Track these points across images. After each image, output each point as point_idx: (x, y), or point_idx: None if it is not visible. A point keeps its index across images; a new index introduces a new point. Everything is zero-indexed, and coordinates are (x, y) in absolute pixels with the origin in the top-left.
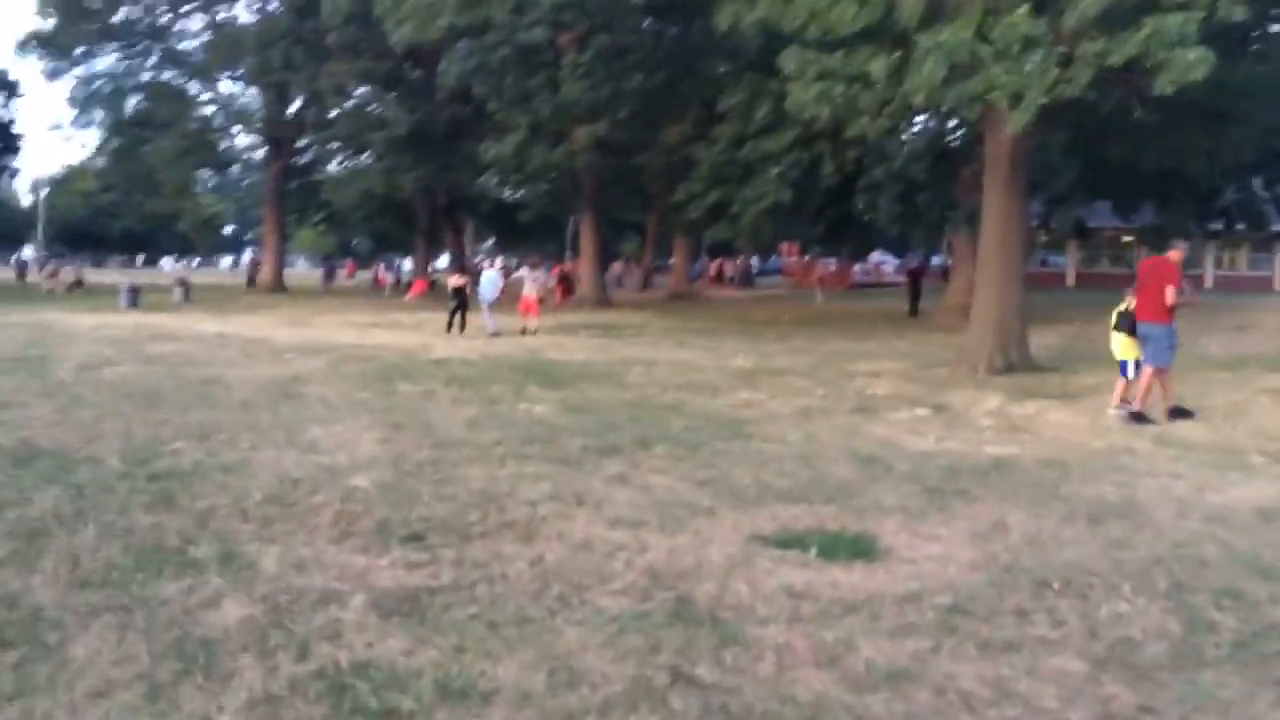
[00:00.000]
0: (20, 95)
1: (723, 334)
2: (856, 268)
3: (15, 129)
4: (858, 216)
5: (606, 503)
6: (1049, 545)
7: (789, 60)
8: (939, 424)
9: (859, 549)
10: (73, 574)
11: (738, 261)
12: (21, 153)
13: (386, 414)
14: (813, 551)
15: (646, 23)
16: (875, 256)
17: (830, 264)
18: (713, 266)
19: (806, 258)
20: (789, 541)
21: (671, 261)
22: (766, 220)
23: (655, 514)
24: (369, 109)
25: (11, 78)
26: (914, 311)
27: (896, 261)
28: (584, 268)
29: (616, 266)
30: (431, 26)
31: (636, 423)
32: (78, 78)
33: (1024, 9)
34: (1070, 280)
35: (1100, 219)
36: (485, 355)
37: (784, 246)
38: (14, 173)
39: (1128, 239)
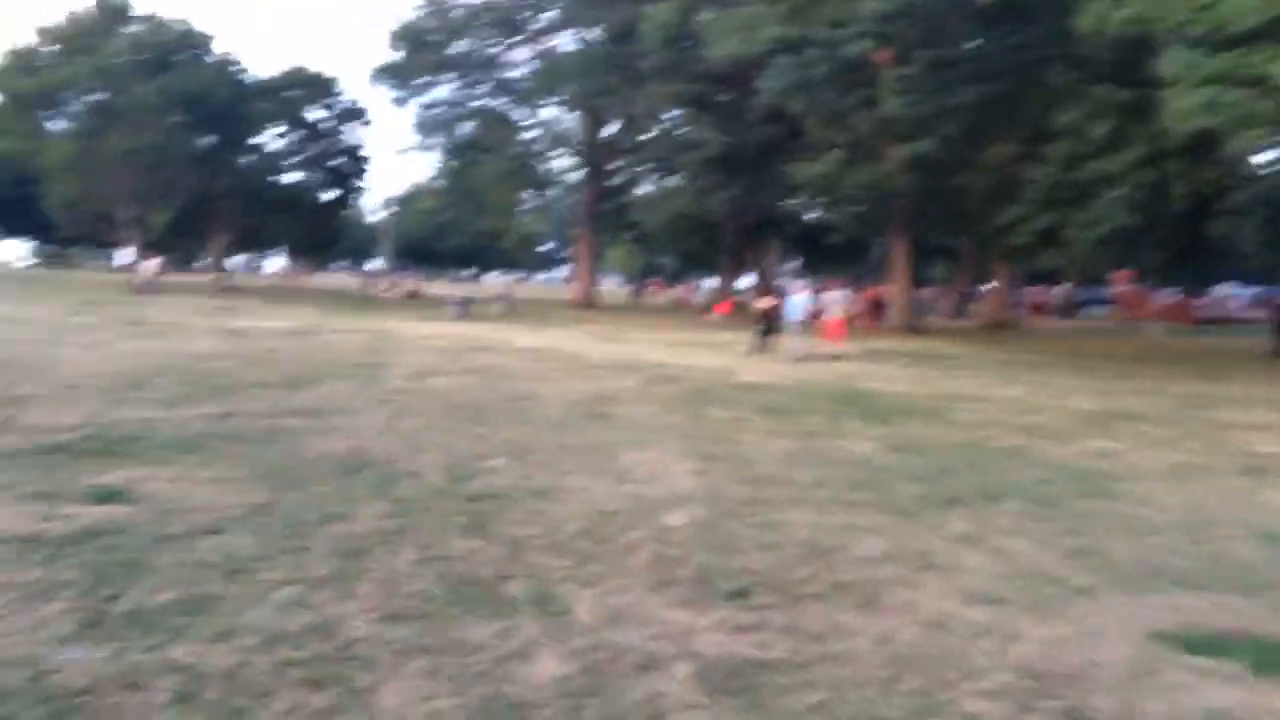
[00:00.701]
0: (368, 123)
1: (1053, 368)
2: (1201, 300)
3: (363, 153)
4: (1208, 244)
5: (956, 569)
6: None
7: (1171, 63)
8: None
9: None
10: (388, 603)
11: (1060, 289)
12: (369, 174)
13: (698, 442)
14: (1244, 663)
15: (978, 31)
16: (1223, 288)
17: (1168, 295)
18: (1033, 294)
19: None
20: (1203, 645)
21: (986, 288)
22: (1103, 247)
23: (1019, 589)
24: (680, 131)
25: (359, 106)
26: None
27: (1248, 294)
28: (894, 292)
29: (929, 292)
30: (754, 40)
31: (975, 470)
32: (421, 105)
33: None
34: None
35: None
36: (795, 381)
37: (1113, 275)
38: (362, 192)
39: None
